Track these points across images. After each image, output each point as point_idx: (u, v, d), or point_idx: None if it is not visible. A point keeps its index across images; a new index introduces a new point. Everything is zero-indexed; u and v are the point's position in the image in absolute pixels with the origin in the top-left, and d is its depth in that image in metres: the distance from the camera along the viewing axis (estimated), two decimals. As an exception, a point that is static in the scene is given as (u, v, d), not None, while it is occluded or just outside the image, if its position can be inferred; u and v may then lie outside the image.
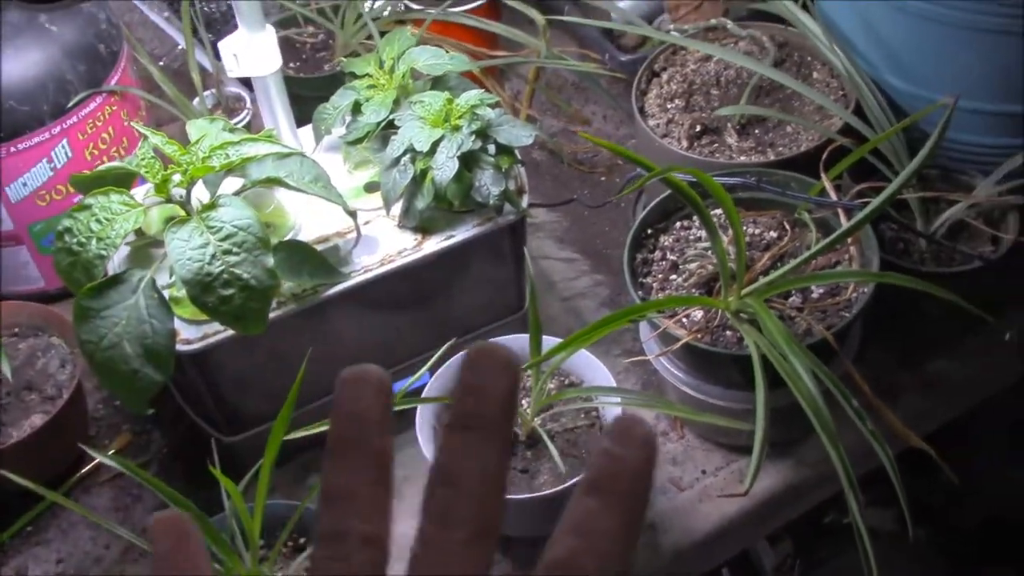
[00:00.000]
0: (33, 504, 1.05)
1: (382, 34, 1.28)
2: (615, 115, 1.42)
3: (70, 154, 1.12)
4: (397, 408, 0.87)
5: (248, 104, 1.36)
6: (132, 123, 0.90)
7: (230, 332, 0.92)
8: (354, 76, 1.07)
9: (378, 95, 1.02)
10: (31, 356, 1.06)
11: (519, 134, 0.97)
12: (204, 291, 0.82)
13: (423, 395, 0.96)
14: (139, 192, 1.00)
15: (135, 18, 1.44)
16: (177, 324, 0.88)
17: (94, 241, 0.83)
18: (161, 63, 1.44)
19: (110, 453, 1.09)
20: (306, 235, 0.99)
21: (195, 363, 0.93)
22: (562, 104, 1.40)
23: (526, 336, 1.01)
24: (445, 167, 0.93)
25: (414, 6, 1.38)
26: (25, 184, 1.12)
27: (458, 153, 0.93)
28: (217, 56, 1.31)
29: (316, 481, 1.08)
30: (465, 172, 0.95)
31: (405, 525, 0.36)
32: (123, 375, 0.84)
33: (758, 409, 0.82)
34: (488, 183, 0.95)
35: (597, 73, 1.28)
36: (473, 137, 0.95)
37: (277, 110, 1.03)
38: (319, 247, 0.97)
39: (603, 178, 1.35)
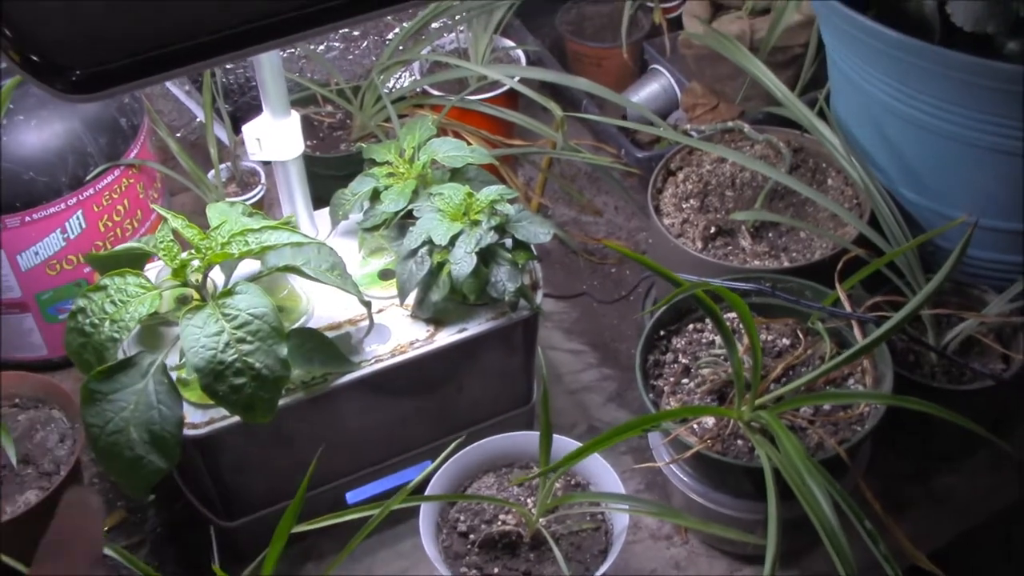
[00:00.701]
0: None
1: (400, 116, 1.30)
2: (627, 207, 1.42)
3: (84, 225, 1.12)
4: (401, 505, 0.85)
5: (262, 180, 1.36)
6: (152, 205, 0.90)
7: (236, 418, 0.90)
8: (373, 162, 1.07)
9: (397, 184, 1.02)
10: (30, 429, 1.05)
11: (537, 231, 0.97)
12: (216, 379, 0.81)
13: (427, 491, 0.95)
14: (153, 269, 1.00)
15: (155, 90, 1.45)
16: (183, 408, 0.87)
17: (107, 323, 0.82)
18: (178, 135, 1.45)
19: (104, 531, 1.08)
20: (318, 321, 0.99)
21: (198, 447, 0.92)
22: (575, 194, 1.40)
23: (531, 434, 1.00)
24: (463, 262, 0.93)
25: (433, 91, 1.39)
26: (37, 253, 1.11)
27: (476, 248, 0.93)
28: (236, 130, 1.33)
29: (313, 569, 1.06)
30: (482, 267, 0.94)
31: None
32: (127, 461, 0.82)
33: (770, 523, 0.81)
34: (504, 279, 0.95)
35: (611, 166, 1.29)
36: (492, 232, 0.95)
37: (296, 194, 1.03)
38: (331, 334, 0.96)
39: (613, 269, 1.35)
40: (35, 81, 0.69)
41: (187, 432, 0.89)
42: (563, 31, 1.53)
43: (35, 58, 0.68)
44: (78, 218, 1.12)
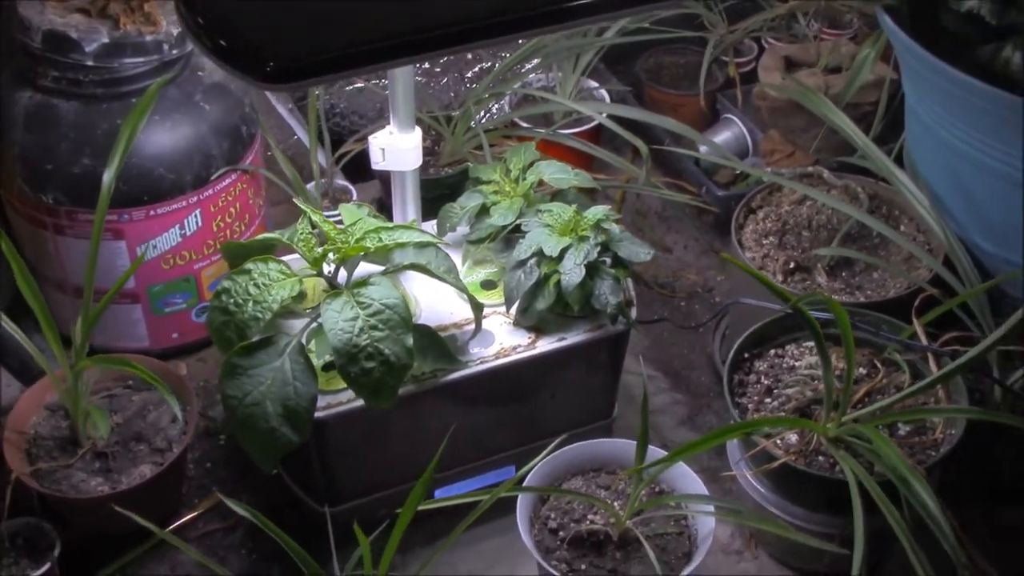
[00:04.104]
0: (127, 550, 1.07)
1: (490, 146, 1.37)
2: (696, 245, 1.49)
3: (200, 223, 1.19)
4: (508, 494, 0.91)
5: (354, 196, 1.44)
6: (295, 199, 0.97)
7: (352, 404, 0.97)
8: (479, 181, 1.14)
9: (505, 201, 1.09)
10: (143, 408, 1.11)
11: (638, 251, 1.04)
12: (350, 361, 0.88)
13: (524, 483, 1.00)
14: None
15: (261, 106, 1.53)
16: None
17: (251, 304, 0.89)
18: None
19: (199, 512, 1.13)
20: (425, 323, 1.05)
21: (315, 429, 0.97)
22: (646, 229, 1.47)
23: (619, 441, 1.06)
24: (572, 273, 1.00)
25: (523, 123, 1.47)
26: (155, 247, 1.18)
27: (585, 262, 1.00)
28: (332, 150, 1.40)
29: (398, 560, 1.11)
30: (588, 280, 1.01)
31: None
32: (261, 432, 0.88)
33: (856, 533, 0.87)
34: (607, 292, 1.02)
35: (688, 203, 1.36)
36: (598, 248, 1.02)
37: (409, 203, 1.10)
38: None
39: (683, 303, 1.41)
40: (228, 67, 0.76)
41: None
42: (642, 77, 1.61)
43: (227, 46, 0.76)
44: (196, 216, 1.19)
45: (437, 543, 1.11)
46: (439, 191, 1.35)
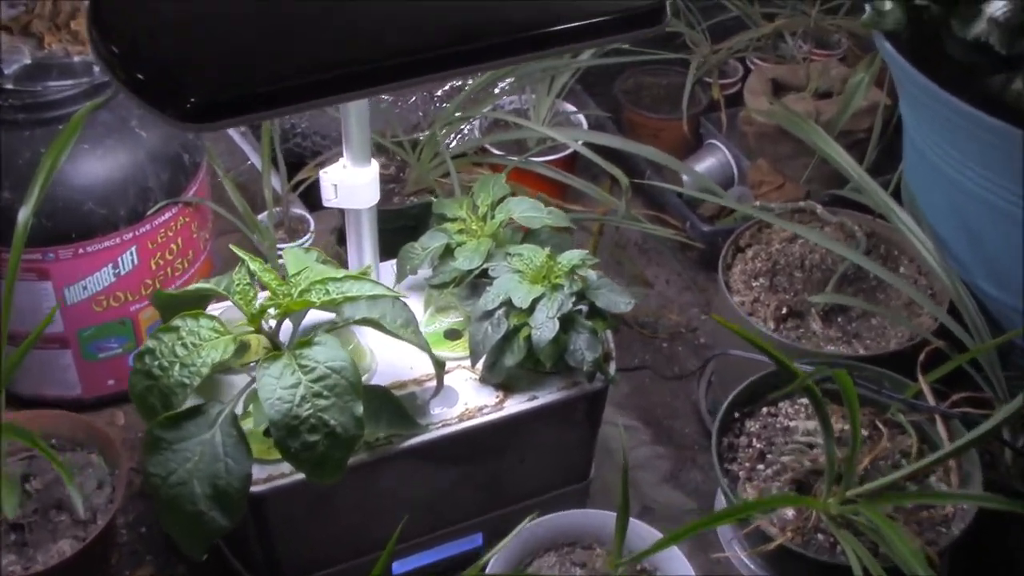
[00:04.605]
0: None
1: (457, 172, 1.27)
2: (679, 280, 1.39)
3: (136, 261, 1.08)
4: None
5: (311, 227, 1.33)
6: (231, 246, 0.86)
7: (295, 476, 0.86)
8: (443, 218, 1.04)
9: (471, 242, 0.99)
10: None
11: (617, 300, 0.94)
12: (289, 435, 0.77)
13: (489, 569, 0.89)
14: (216, 309, 0.95)
15: (210, 129, 1.42)
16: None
17: (177, 367, 0.78)
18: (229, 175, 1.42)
19: (133, 585, 1.02)
20: (382, 378, 0.95)
21: (254, 505, 0.87)
22: (626, 262, 1.37)
23: (595, 513, 0.96)
24: (544, 327, 0.89)
25: (494, 151, 1.36)
26: (85, 287, 1.07)
27: (558, 314, 0.90)
28: (288, 176, 1.30)
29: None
30: (562, 334, 0.91)
31: None
32: (188, 516, 0.77)
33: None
34: (583, 347, 0.92)
35: (671, 238, 1.27)
36: (573, 298, 0.92)
37: (366, 244, 0.99)
38: (395, 393, 0.92)
39: (665, 344, 1.31)
40: (143, 104, 0.65)
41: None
42: (621, 99, 1.52)
43: (144, 79, 0.65)
44: (131, 254, 1.08)
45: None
46: (402, 222, 1.24)
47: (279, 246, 1.25)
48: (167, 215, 1.09)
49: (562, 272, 0.93)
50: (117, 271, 1.07)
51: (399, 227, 1.20)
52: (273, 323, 0.83)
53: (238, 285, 0.82)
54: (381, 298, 0.87)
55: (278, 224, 1.32)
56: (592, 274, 0.94)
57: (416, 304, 1.02)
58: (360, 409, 0.79)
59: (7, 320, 0.91)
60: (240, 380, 0.87)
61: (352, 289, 0.82)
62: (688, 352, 1.30)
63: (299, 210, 1.34)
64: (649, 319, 1.34)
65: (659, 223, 1.35)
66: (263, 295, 0.84)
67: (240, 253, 0.84)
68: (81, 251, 1.04)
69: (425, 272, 1.02)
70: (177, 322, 0.80)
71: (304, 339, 0.80)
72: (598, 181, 1.39)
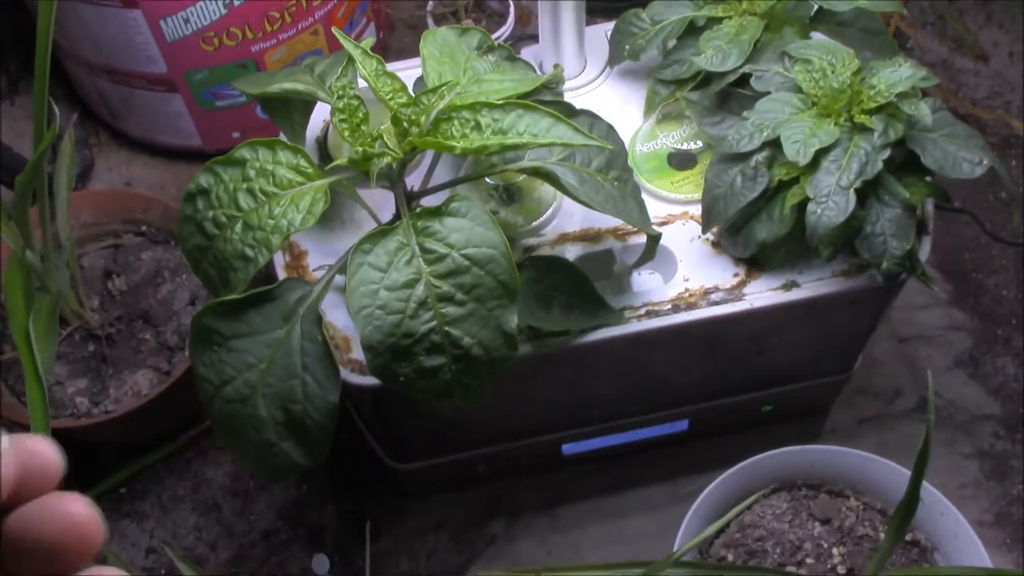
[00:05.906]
0: (127, 465, 0.79)
1: None
2: (1028, 54, 0.96)
3: (254, -10, 0.78)
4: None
5: (511, 16, 0.96)
6: (335, 30, 0.54)
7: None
8: (691, -29, 0.66)
9: (731, 22, 0.62)
10: (155, 274, 0.77)
11: (961, 158, 0.57)
12: (396, 358, 0.49)
13: (697, 503, 0.62)
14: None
15: None
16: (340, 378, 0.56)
17: (239, 227, 0.50)
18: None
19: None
20: (563, 223, 0.63)
21: (372, 396, 0.61)
22: (951, 19, 0.95)
23: (853, 452, 0.65)
24: (832, 203, 0.54)
25: None
26: (187, 20, 0.78)
27: (858, 182, 0.54)
28: None
29: (501, 528, 0.78)
30: (859, 210, 0.56)
31: None
32: (251, 444, 0.52)
33: None
34: (888, 232, 0.56)
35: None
36: (886, 152, 0.55)
37: (564, 14, 0.64)
38: (585, 247, 0.62)
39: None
40: None
41: (356, 380, 0.58)
42: None
43: None
44: (248, -23, 0.77)
45: (555, 511, 0.77)
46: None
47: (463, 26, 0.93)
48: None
49: (877, 102, 0.55)
50: (228, 1, 0.78)
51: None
52: (396, 168, 0.51)
53: (341, 96, 0.51)
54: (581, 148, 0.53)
55: (472, 5, 0.97)
56: (926, 108, 0.56)
57: (631, 101, 0.68)
58: (513, 321, 0.49)
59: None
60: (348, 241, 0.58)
61: (522, 128, 0.49)
62: (1021, 170, 0.90)
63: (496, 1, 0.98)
64: (985, 100, 0.93)
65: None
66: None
67: (345, 41, 0.51)
68: (175, -29, 0.75)
69: (652, 57, 0.66)
70: (244, 152, 0.51)
71: (431, 208, 0.49)
72: None
